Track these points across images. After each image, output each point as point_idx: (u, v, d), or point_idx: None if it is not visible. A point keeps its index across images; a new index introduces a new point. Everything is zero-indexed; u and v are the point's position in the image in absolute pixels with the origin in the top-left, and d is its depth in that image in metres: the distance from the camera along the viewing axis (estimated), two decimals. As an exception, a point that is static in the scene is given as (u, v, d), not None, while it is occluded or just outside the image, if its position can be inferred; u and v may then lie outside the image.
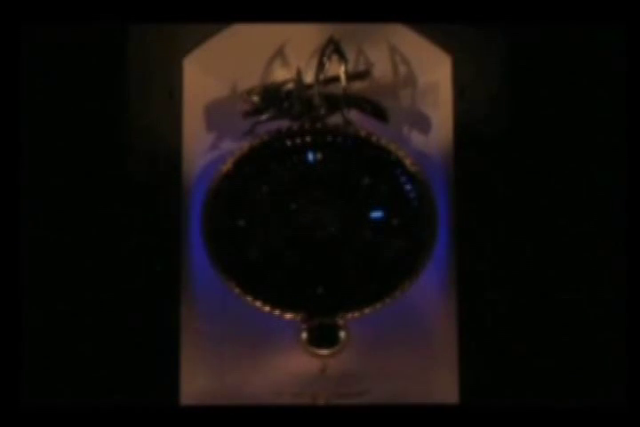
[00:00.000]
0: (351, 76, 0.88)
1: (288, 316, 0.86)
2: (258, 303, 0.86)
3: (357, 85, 0.89)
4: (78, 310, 0.87)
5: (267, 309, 0.86)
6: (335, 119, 0.87)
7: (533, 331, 0.87)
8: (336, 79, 0.87)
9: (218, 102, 0.90)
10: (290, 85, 0.87)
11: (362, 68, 0.90)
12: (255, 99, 0.87)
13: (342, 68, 0.87)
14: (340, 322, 0.86)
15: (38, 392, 0.85)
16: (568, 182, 0.88)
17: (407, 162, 0.87)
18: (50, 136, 0.87)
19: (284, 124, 0.87)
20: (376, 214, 0.87)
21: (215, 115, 0.90)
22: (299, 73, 0.87)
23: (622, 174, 0.86)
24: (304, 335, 0.86)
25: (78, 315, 0.87)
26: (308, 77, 0.88)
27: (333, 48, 0.87)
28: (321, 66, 0.87)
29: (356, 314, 0.86)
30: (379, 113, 0.88)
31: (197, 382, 0.89)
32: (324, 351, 0.86)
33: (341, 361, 0.88)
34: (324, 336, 0.86)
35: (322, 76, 0.87)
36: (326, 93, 0.87)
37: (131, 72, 0.89)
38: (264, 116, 0.87)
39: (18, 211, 0.83)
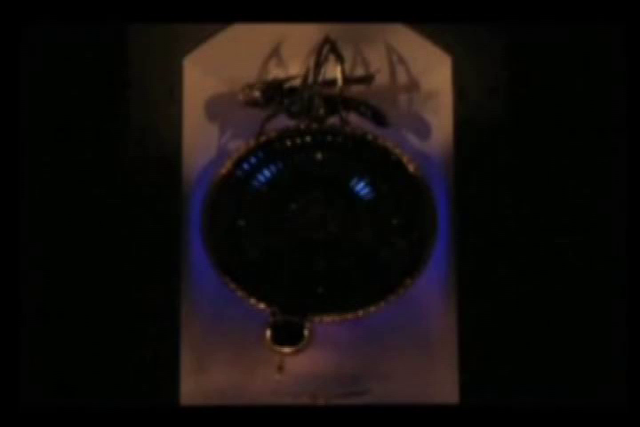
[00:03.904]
0: (355, 80, 0.88)
1: (291, 316, 0.86)
2: (258, 304, 0.86)
3: (357, 85, 0.89)
4: (78, 311, 0.87)
5: (268, 309, 0.86)
6: (335, 119, 0.87)
7: (533, 331, 0.87)
8: (335, 82, 0.87)
9: (218, 102, 0.90)
10: (292, 83, 0.87)
11: (362, 68, 0.90)
12: (256, 94, 0.87)
13: (339, 68, 0.87)
14: (305, 322, 0.85)
15: (38, 392, 0.85)
16: (568, 182, 0.88)
17: (407, 162, 0.87)
18: (50, 136, 0.87)
19: (283, 124, 0.87)
20: (376, 214, 0.87)
21: (215, 115, 0.90)
22: (307, 71, 0.87)
23: (622, 174, 0.86)
24: (268, 333, 0.86)
25: (78, 315, 0.86)
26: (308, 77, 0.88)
27: (329, 48, 0.87)
28: (318, 66, 0.87)
29: (356, 314, 0.86)
30: (378, 118, 0.88)
31: (197, 382, 0.89)
32: (287, 349, 0.86)
33: (341, 361, 0.88)
34: (287, 334, 0.85)
35: (320, 77, 0.87)
36: (326, 95, 0.87)
37: (131, 72, 0.89)
38: (266, 113, 0.87)
39: (18, 211, 0.83)
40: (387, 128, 0.88)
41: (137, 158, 0.89)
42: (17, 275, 0.82)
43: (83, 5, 0.85)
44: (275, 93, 0.87)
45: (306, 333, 0.85)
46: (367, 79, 0.89)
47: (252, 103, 0.87)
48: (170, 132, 0.90)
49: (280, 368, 0.87)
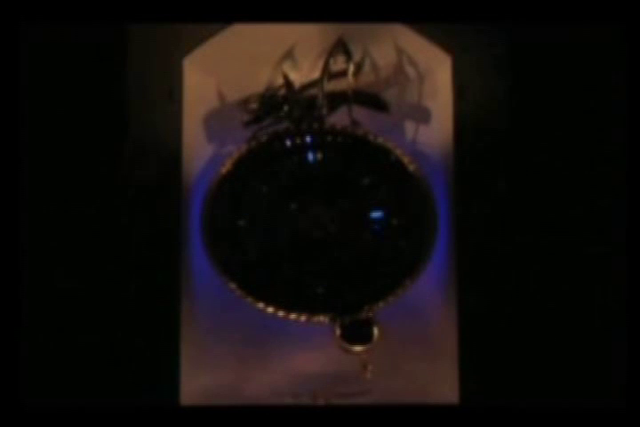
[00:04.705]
0: (344, 72, 0.88)
1: (291, 316, 0.86)
2: (258, 304, 0.86)
3: (357, 83, 0.89)
4: (78, 310, 0.87)
5: (268, 309, 0.86)
6: (336, 119, 0.88)
7: (533, 331, 0.87)
8: (337, 75, 0.87)
9: (218, 102, 0.90)
10: (285, 90, 0.88)
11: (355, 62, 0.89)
12: (254, 106, 0.88)
13: (351, 69, 0.87)
14: (372, 317, 0.86)
15: (38, 392, 0.85)
16: (568, 182, 0.88)
17: (407, 162, 0.87)
18: (50, 136, 0.87)
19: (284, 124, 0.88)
20: (376, 214, 0.87)
21: (215, 115, 0.90)
22: (285, 77, 0.87)
23: (622, 174, 0.86)
24: (338, 332, 0.86)
25: (78, 315, 0.87)
26: (312, 76, 0.88)
27: (342, 48, 0.87)
28: (326, 66, 0.87)
29: (356, 314, 0.86)
30: (379, 104, 0.88)
31: (197, 382, 0.89)
32: (358, 348, 0.86)
33: (342, 361, 0.88)
34: (357, 333, 0.86)
35: (326, 76, 0.87)
36: (326, 92, 0.87)
37: (131, 72, 0.89)
38: (265, 123, 0.87)
39: (17, 211, 0.83)
40: (387, 112, 0.88)
41: (137, 158, 0.89)
42: (17, 275, 0.82)
43: (83, 5, 0.85)
44: (272, 102, 0.87)
45: (375, 331, 0.85)
46: (358, 67, 0.89)
47: (254, 118, 0.87)
48: (170, 132, 0.90)
49: (365, 367, 0.87)
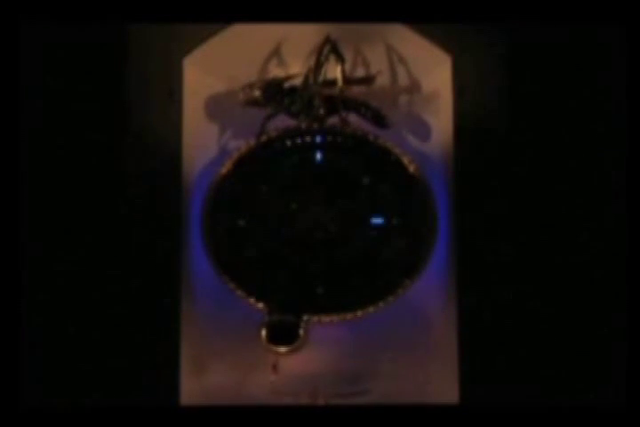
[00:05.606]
0: (356, 81, 0.88)
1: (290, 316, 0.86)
2: (257, 303, 0.86)
3: (358, 86, 0.89)
4: (78, 311, 0.86)
5: (266, 308, 0.86)
6: (335, 119, 0.88)
7: (533, 331, 0.87)
8: (335, 82, 0.87)
9: (218, 102, 0.90)
10: (292, 82, 0.87)
11: (362, 68, 0.90)
12: (256, 93, 0.87)
13: (339, 68, 0.87)
14: (300, 321, 0.85)
15: (38, 392, 0.85)
16: (568, 182, 0.88)
17: (407, 162, 0.87)
18: (50, 136, 0.87)
19: (284, 124, 0.87)
20: (376, 214, 0.87)
21: (215, 115, 0.90)
22: (309, 70, 0.87)
23: (622, 174, 0.86)
24: (263, 332, 0.85)
25: (78, 315, 0.86)
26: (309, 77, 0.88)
27: (330, 48, 0.87)
28: (318, 66, 0.87)
29: (356, 314, 0.86)
30: (378, 119, 0.88)
31: (197, 382, 0.89)
32: (282, 349, 0.86)
33: (341, 361, 0.88)
34: (283, 333, 0.85)
35: (321, 77, 0.87)
36: (326, 94, 0.87)
37: (131, 72, 0.89)
38: (267, 112, 0.87)
39: (18, 211, 0.83)
40: (387, 129, 0.88)
41: (137, 158, 0.89)
42: (17, 275, 0.82)
43: (83, 5, 0.85)
44: (275, 92, 0.87)
45: (301, 332, 0.85)
46: (368, 80, 0.89)
47: (253, 102, 0.87)
48: (170, 132, 0.90)
49: (274, 368, 0.87)
